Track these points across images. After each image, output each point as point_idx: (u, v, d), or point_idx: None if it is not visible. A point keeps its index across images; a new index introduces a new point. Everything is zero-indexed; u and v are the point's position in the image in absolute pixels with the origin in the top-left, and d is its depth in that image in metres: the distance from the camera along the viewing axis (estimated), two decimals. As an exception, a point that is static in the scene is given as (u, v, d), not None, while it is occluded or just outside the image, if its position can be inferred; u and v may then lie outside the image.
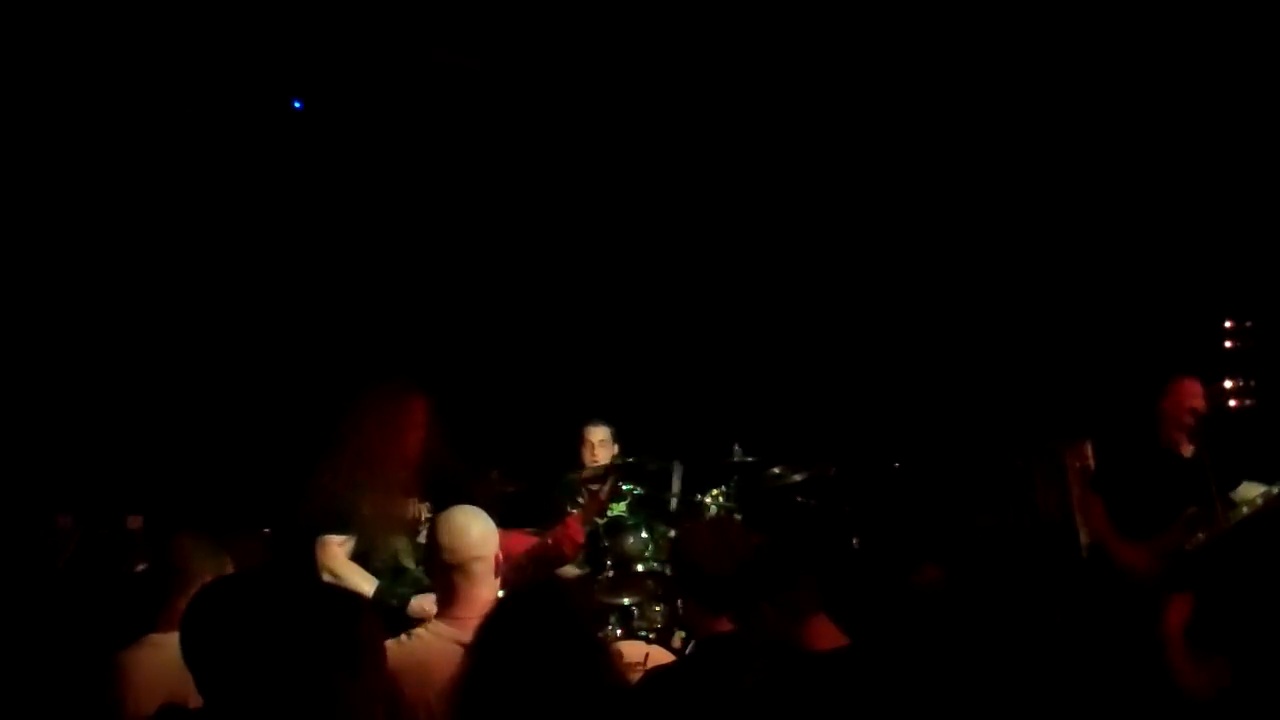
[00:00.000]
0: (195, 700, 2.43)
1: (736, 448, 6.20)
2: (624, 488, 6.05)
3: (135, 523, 6.10)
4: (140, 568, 5.55)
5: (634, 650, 4.37)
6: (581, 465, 6.26)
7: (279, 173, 7.04)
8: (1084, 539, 5.77)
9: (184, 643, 2.40)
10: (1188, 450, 5.38)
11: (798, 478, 6.25)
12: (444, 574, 3.48)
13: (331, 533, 4.57)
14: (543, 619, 2.69)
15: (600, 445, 6.32)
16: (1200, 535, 5.09)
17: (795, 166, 7.28)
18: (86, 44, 6.19)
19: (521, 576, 4.35)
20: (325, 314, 7.19)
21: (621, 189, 7.38)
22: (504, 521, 5.68)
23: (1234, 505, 5.13)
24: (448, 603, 3.47)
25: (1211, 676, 3.81)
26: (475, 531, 3.50)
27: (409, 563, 4.56)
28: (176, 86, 6.58)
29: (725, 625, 3.33)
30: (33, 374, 6.62)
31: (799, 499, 6.38)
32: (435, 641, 3.33)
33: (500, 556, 3.55)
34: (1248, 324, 5.69)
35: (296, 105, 6.85)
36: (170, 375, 6.93)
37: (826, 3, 6.33)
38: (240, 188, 6.99)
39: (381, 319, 7.19)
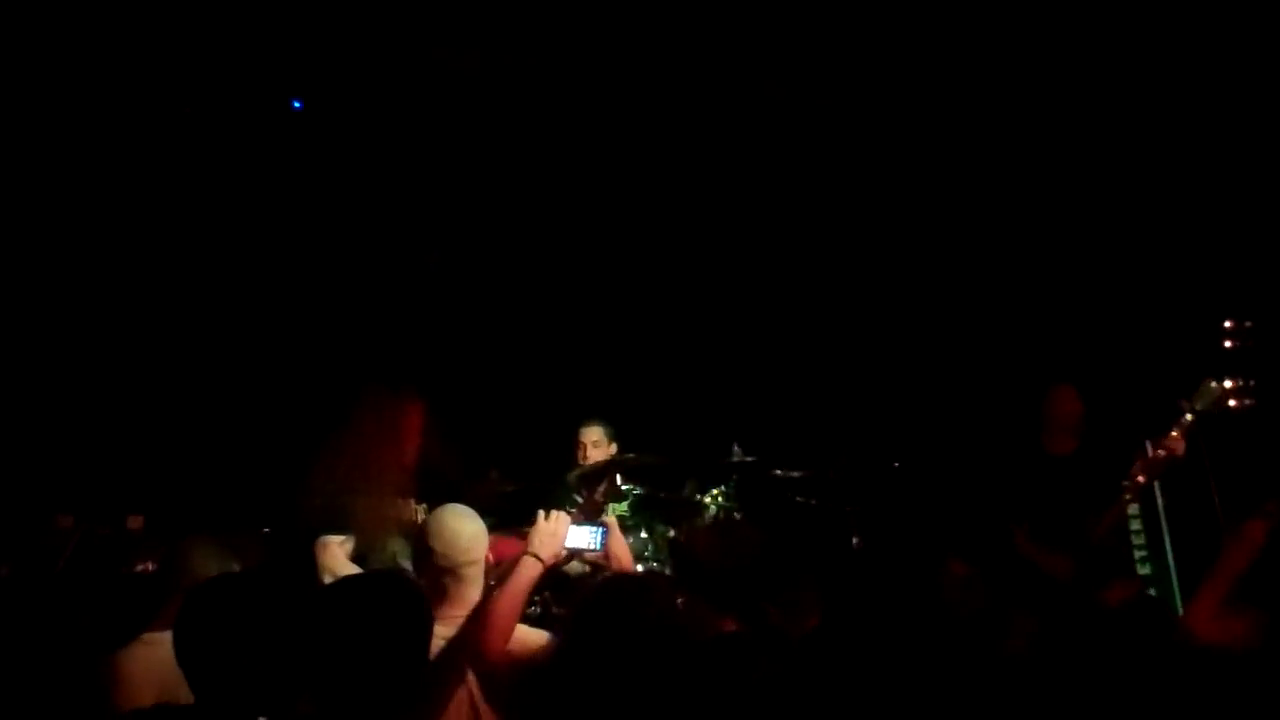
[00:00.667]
0: (187, 697, 2.45)
1: (736, 448, 6.19)
2: (624, 488, 6.04)
3: (135, 523, 6.10)
4: (140, 568, 5.56)
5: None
6: (577, 466, 6.23)
7: (278, 173, 7.04)
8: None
9: (177, 641, 2.42)
10: (1069, 448, 5.73)
11: (797, 475, 6.26)
12: (436, 576, 3.53)
13: (330, 533, 4.58)
14: (639, 607, 2.78)
15: (594, 446, 6.28)
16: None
17: (794, 167, 7.27)
18: (87, 44, 6.19)
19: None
20: (324, 314, 7.18)
21: (621, 189, 7.37)
22: (503, 521, 5.71)
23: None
24: (438, 603, 3.49)
25: (1228, 629, 3.80)
26: (466, 535, 3.57)
27: (406, 564, 4.56)
28: (177, 86, 6.59)
29: (730, 625, 3.33)
30: (33, 374, 6.62)
31: (799, 499, 6.38)
32: None
33: (491, 558, 3.59)
34: (1248, 324, 5.69)
35: (296, 105, 6.85)
36: (170, 376, 6.92)
37: (827, 3, 6.33)
38: (239, 188, 6.98)
39: (380, 319, 7.19)
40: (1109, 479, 5.29)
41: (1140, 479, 5.24)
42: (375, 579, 3.02)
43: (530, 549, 3.58)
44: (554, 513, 3.70)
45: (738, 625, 3.32)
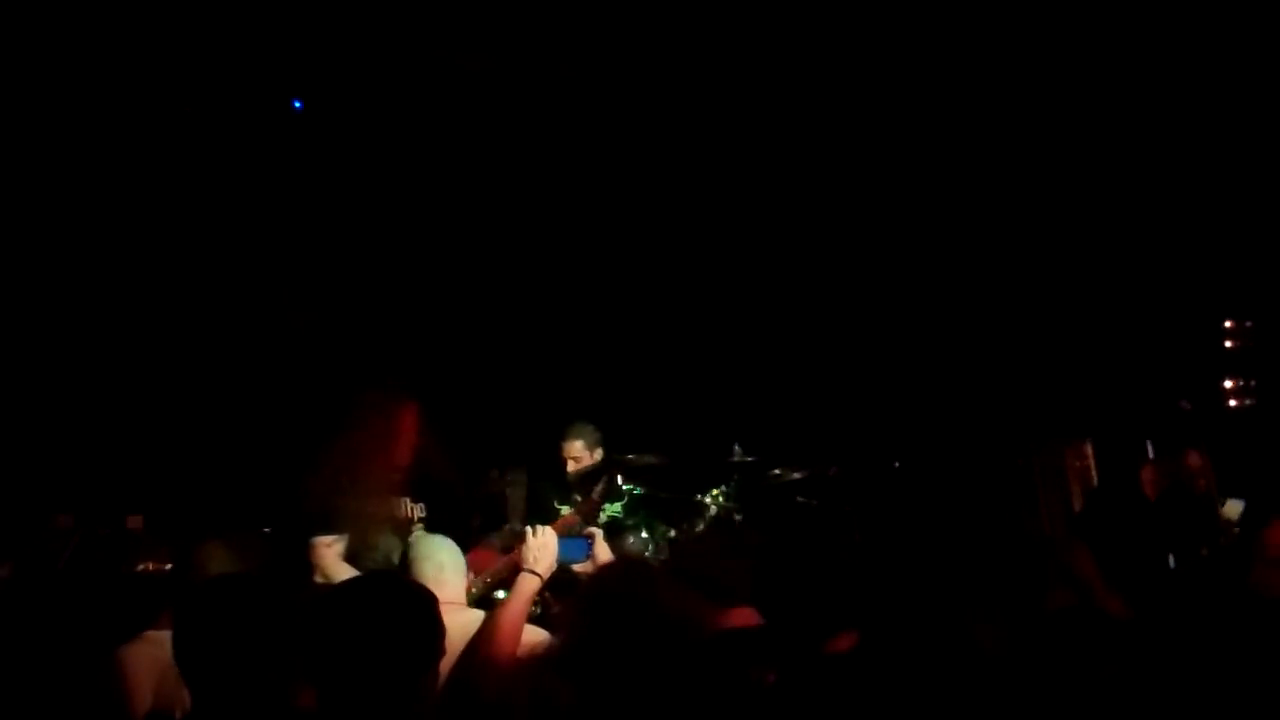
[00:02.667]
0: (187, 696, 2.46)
1: (737, 448, 6.19)
2: (624, 487, 6.03)
3: (135, 522, 6.10)
4: (140, 567, 5.56)
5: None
6: (565, 476, 6.18)
7: (278, 173, 7.04)
8: None
9: (175, 642, 2.44)
10: (1155, 495, 5.38)
11: (797, 475, 6.25)
12: None
13: (323, 533, 4.58)
14: (636, 589, 2.80)
15: (574, 461, 6.18)
16: None
17: (795, 166, 7.27)
18: (87, 44, 6.19)
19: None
20: (322, 314, 7.18)
21: (621, 190, 7.37)
22: (501, 521, 5.72)
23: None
24: None
25: None
26: (441, 558, 3.72)
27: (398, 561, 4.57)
28: (177, 86, 6.58)
29: (736, 620, 3.31)
30: (33, 374, 6.62)
31: (799, 499, 6.37)
32: None
33: (471, 578, 3.68)
34: (1248, 324, 5.70)
35: (296, 105, 6.85)
36: (169, 376, 6.92)
37: (826, 3, 6.34)
38: (239, 188, 6.98)
39: (379, 317, 7.18)
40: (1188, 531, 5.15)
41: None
42: (383, 580, 3.05)
43: (525, 565, 3.72)
44: (540, 527, 3.83)
45: (742, 619, 3.31)
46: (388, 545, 4.67)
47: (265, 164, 7.00)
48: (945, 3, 6.29)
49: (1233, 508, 5.25)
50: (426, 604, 2.60)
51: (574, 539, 4.04)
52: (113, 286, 6.89)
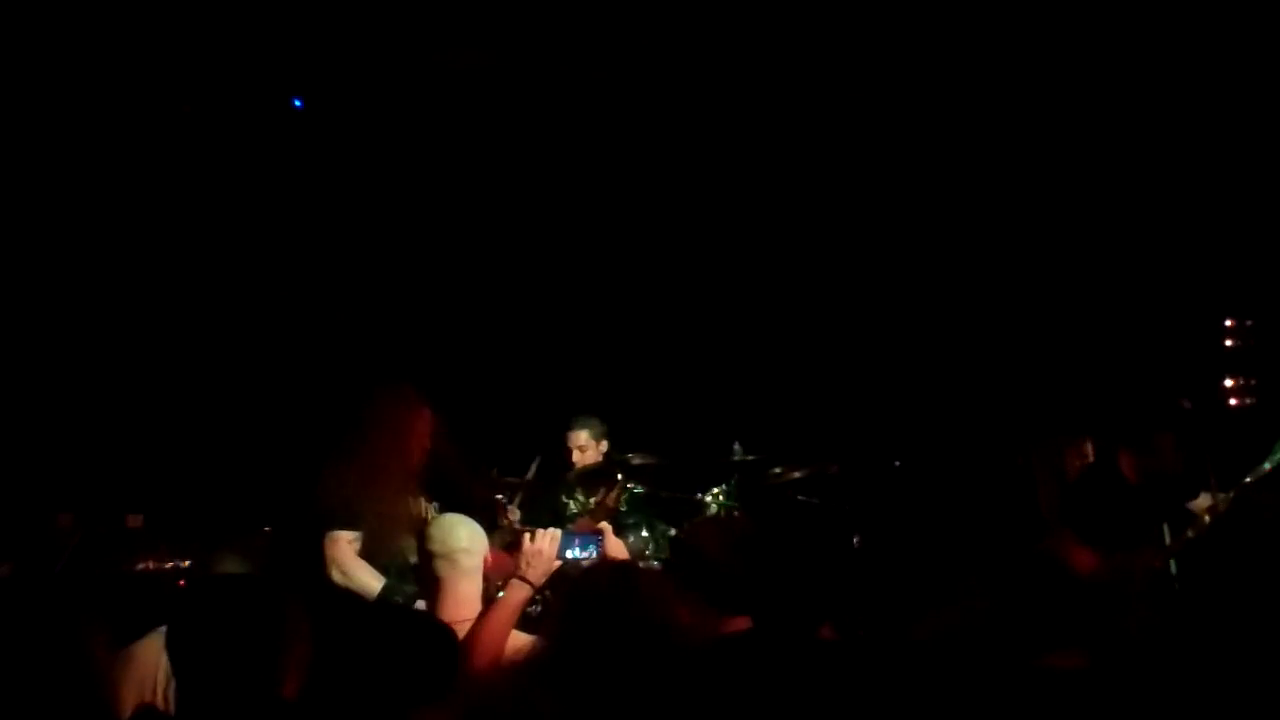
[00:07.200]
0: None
1: (736, 446, 6.19)
2: (626, 486, 6.04)
3: (135, 522, 6.09)
4: (140, 566, 5.57)
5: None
6: (570, 468, 6.21)
7: (280, 172, 7.03)
8: None
9: (168, 643, 2.46)
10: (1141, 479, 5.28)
11: (797, 475, 6.25)
12: (431, 568, 3.65)
13: (341, 529, 4.59)
14: (620, 595, 2.76)
15: (580, 451, 6.23)
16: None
17: (795, 165, 7.28)
18: (86, 44, 6.19)
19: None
20: (329, 314, 7.18)
21: (622, 187, 7.37)
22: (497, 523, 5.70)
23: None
24: (439, 601, 3.64)
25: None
26: (463, 530, 3.70)
27: (415, 560, 4.57)
28: (177, 86, 6.58)
29: (736, 625, 3.29)
30: (33, 374, 6.61)
31: (800, 498, 6.38)
32: None
33: (490, 560, 3.72)
34: (1248, 323, 5.72)
35: (296, 104, 6.85)
36: (172, 375, 6.92)
37: (827, 3, 6.34)
38: (240, 187, 6.98)
39: (385, 318, 7.18)
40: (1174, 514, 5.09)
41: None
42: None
43: (518, 573, 3.64)
44: (540, 532, 3.73)
45: (742, 625, 3.29)
46: (403, 544, 4.67)
47: (266, 163, 7.00)
48: (946, 3, 6.30)
49: (1204, 500, 5.23)
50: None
51: (583, 535, 3.95)
52: (113, 285, 6.88)
